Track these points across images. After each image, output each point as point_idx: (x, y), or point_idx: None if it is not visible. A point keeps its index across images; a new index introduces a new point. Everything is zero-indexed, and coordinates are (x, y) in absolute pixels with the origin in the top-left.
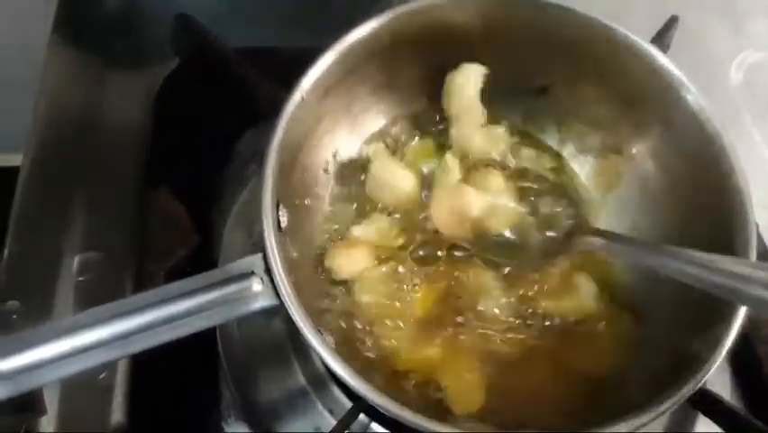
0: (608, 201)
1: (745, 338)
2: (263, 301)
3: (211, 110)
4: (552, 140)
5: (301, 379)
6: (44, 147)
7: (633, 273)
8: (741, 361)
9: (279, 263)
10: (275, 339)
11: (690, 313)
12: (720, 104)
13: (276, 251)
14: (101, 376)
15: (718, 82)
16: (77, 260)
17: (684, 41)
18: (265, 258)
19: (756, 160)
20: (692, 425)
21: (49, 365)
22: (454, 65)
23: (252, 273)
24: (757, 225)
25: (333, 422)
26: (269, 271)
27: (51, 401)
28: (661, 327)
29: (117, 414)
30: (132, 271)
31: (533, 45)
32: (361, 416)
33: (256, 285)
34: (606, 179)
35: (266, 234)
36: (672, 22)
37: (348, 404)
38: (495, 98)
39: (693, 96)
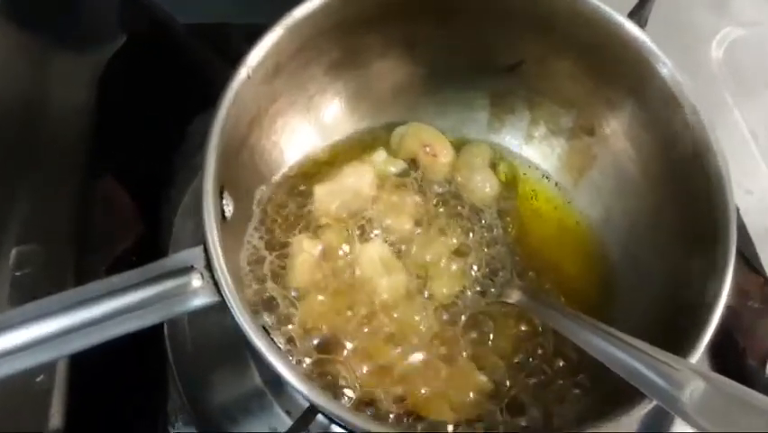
0: (581, 185)
1: (726, 329)
2: (204, 298)
3: (160, 91)
4: (522, 121)
5: (257, 379)
6: None
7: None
8: (722, 352)
9: (221, 257)
10: (228, 337)
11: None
12: (700, 82)
13: (217, 243)
14: (38, 379)
15: (699, 59)
16: (13, 252)
17: (663, 17)
18: (206, 251)
19: (737, 139)
20: (670, 425)
21: None
22: (416, 41)
23: (192, 268)
24: (738, 210)
25: (291, 424)
26: (210, 264)
27: None
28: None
29: (55, 419)
30: (72, 264)
31: (501, 19)
32: (321, 417)
33: (196, 280)
34: (579, 162)
35: (206, 225)
36: None
37: (306, 405)
38: (461, 78)
39: (668, 70)
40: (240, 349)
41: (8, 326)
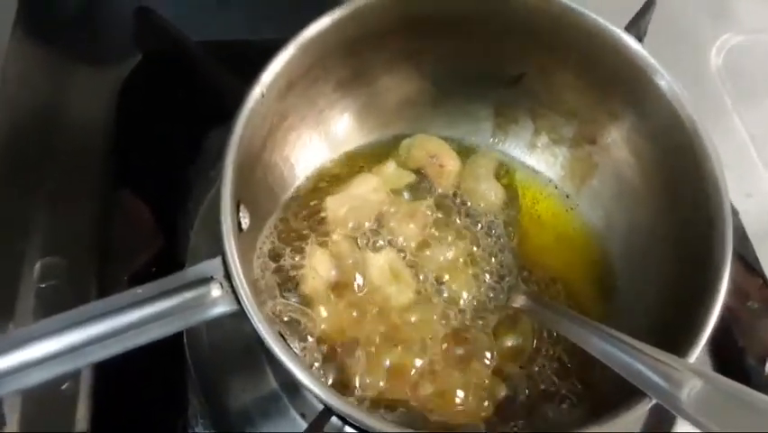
0: (583, 192)
1: (726, 329)
2: (223, 307)
3: (176, 107)
4: (526, 130)
5: (273, 383)
6: (3, 147)
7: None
8: (722, 352)
9: (239, 267)
10: (245, 343)
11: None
12: (700, 88)
13: (235, 254)
14: (64, 386)
15: (698, 66)
16: (38, 265)
17: (663, 25)
18: (224, 262)
19: (736, 144)
20: (671, 425)
21: (6, 376)
22: (421, 56)
23: (212, 278)
24: (737, 212)
25: (306, 426)
26: (228, 275)
27: (12, 413)
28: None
29: (81, 424)
30: (95, 275)
31: (506, 33)
32: (335, 419)
33: (215, 290)
34: (581, 170)
35: (224, 237)
36: (648, 5)
37: (321, 408)
38: (466, 90)
39: (666, 82)
40: (256, 355)
41: (37, 336)
